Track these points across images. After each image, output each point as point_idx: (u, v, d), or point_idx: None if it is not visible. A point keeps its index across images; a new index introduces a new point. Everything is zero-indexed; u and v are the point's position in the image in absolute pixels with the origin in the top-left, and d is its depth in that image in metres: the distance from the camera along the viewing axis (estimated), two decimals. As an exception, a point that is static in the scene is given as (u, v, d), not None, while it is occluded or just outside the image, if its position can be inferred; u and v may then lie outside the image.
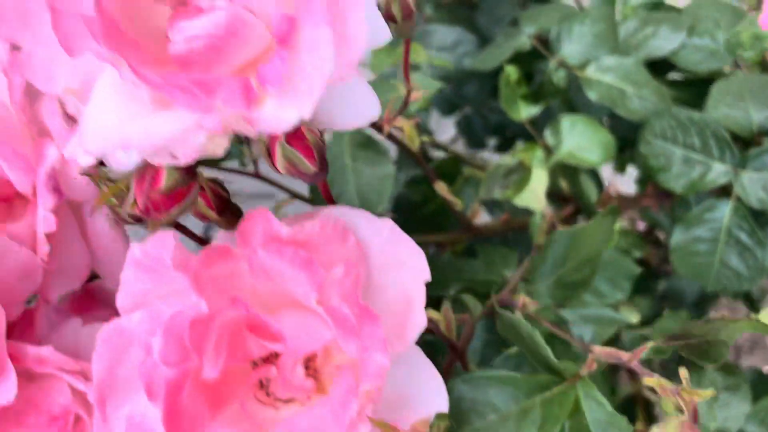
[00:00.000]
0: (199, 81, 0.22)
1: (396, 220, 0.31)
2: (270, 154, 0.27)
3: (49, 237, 0.31)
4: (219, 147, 0.23)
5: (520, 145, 0.81)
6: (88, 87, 0.26)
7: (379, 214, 0.43)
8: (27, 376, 0.29)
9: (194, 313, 0.27)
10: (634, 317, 0.55)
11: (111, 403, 0.29)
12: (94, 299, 0.37)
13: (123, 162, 0.29)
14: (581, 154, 0.69)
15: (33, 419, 0.30)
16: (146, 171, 0.25)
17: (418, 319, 0.28)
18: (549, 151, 0.71)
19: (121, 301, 0.29)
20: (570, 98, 0.74)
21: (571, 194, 0.72)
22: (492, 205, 0.77)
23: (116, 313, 0.37)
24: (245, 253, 0.28)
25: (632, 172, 0.83)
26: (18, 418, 0.30)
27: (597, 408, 0.34)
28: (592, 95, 0.66)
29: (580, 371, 0.34)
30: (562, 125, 0.71)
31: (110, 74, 0.25)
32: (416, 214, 0.69)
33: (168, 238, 0.28)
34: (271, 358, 0.30)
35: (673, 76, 0.72)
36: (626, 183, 0.85)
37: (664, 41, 0.69)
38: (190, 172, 0.25)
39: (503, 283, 0.57)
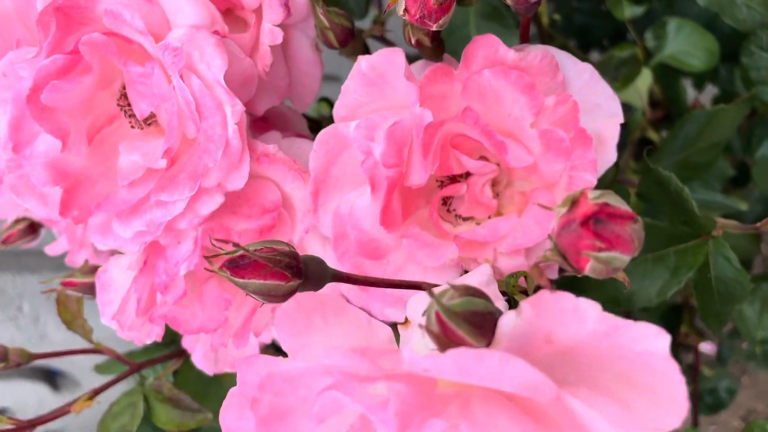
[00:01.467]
0: None
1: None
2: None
3: (264, 52, 0.35)
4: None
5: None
6: None
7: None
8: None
9: (418, 122, 0.31)
10: (743, 205, 0.60)
11: (322, 197, 0.34)
12: (270, 121, 0.41)
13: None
14: (684, 58, 0.71)
15: (247, 210, 0.35)
16: None
17: (609, 156, 0.32)
18: (646, 53, 0.73)
19: (338, 110, 0.34)
20: (674, 2, 0.75)
21: (663, 99, 0.75)
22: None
23: (290, 134, 0.42)
24: (465, 74, 0.31)
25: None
26: (235, 209, 0.35)
27: (725, 264, 0.38)
28: (700, 0, 0.68)
29: (714, 232, 0.39)
30: (668, 27, 0.72)
31: None
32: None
33: (398, 53, 0.31)
34: (459, 179, 0.35)
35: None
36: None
37: (771, -47, 0.69)
38: None
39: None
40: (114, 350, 0.43)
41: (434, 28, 0.29)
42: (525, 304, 0.20)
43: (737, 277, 0.39)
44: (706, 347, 1.00)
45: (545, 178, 0.32)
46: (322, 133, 0.34)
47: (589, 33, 0.88)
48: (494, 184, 0.34)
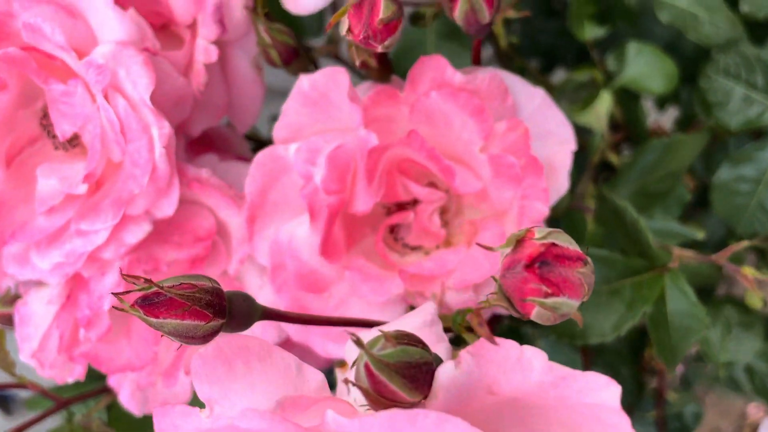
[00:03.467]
0: None
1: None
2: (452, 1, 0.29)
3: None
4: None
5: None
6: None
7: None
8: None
9: (362, 145, 0.29)
10: (700, 233, 0.59)
11: (258, 223, 0.32)
12: (210, 142, 0.39)
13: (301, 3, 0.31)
14: (644, 82, 0.71)
15: (178, 238, 0.33)
16: (364, 1, 0.27)
17: (561, 184, 0.31)
18: (608, 75, 0.73)
19: (278, 131, 0.32)
20: (637, 23, 0.76)
21: (623, 121, 0.75)
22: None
23: (230, 157, 0.40)
24: (411, 96, 0.30)
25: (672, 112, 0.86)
26: (165, 236, 0.33)
27: (681, 297, 0.38)
28: (664, 17, 0.68)
29: (670, 264, 0.38)
30: (628, 50, 0.72)
31: None
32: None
33: (341, 72, 0.30)
34: (407, 206, 0.34)
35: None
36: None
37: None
38: (400, 5, 0.27)
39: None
40: (39, 385, 0.40)
41: (380, 49, 0.28)
42: (465, 354, 0.18)
43: (693, 311, 0.38)
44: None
45: (495, 205, 0.30)
46: (260, 156, 0.32)
47: (554, 53, 0.89)
48: (443, 212, 0.33)
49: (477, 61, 0.33)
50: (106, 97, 0.29)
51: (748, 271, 0.35)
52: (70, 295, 0.33)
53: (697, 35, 0.67)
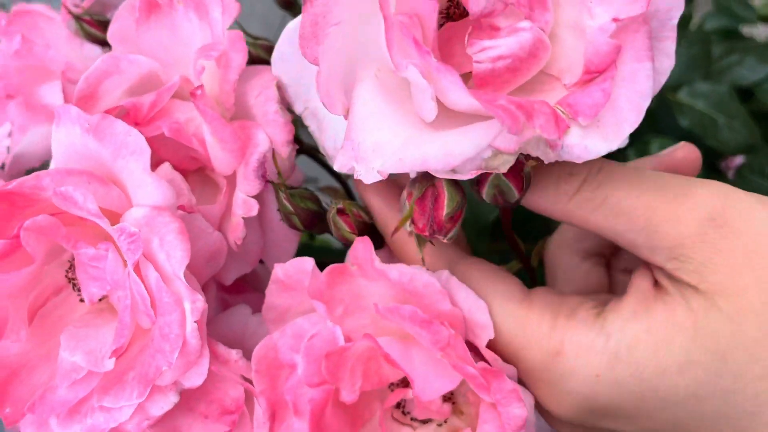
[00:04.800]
0: (519, 103, 0.21)
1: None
2: (478, 182, 0.27)
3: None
4: (504, 164, 0.23)
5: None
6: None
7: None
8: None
9: (330, 339, 0.27)
10: None
11: (278, 419, 0.30)
12: (245, 283, 0.37)
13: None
14: (667, 179, 0.69)
15: (204, 407, 0.30)
16: (427, 193, 0.25)
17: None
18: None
19: (266, 312, 0.31)
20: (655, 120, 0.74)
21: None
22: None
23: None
24: (359, 271, 0.29)
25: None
26: (190, 404, 0.30)
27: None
28: (683, 121, 0.65)
29: None
30: (650, 147, 0.70)
31: (367, 88, 0.25)
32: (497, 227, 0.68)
33: (308, 262, 0.29)
34: (407, 381, 0.31)
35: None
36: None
37: (749, 71, 0.69)
38: (462, 192, 0.25)
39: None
40: None
41: (445, 240, 0.25)
42: None
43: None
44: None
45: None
46: (259, 348, 0.30)
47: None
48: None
49: (509, 230, 0.31)
50: (137, 267, 0.27)
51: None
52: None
53: (716, 140, 0.65)
